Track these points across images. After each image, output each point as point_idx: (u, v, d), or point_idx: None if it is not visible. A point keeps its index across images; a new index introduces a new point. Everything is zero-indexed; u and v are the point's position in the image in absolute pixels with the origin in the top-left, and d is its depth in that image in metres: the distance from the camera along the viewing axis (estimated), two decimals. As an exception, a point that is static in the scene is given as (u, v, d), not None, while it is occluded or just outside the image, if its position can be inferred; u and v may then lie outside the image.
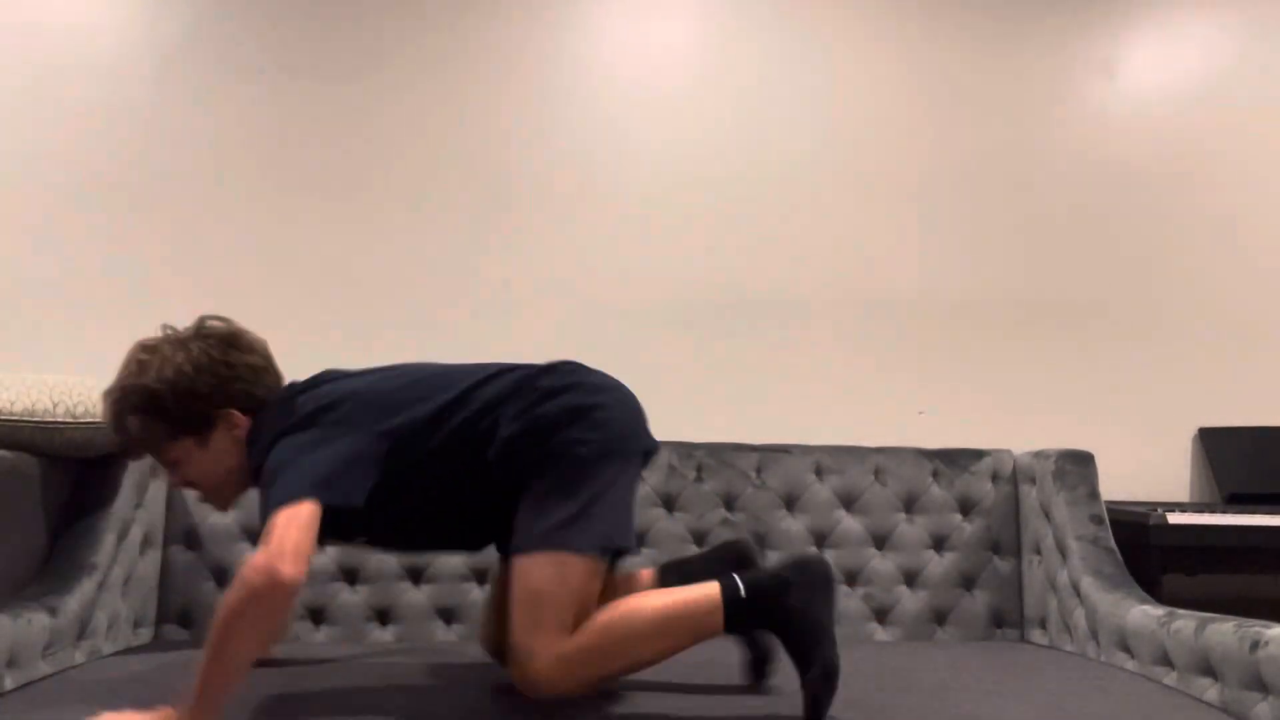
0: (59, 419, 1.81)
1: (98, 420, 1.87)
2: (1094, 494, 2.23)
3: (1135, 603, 1.89)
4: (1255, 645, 1.49)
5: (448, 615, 2.15)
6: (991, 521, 2.32)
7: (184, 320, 2.51)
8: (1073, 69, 2.82)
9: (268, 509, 1.32)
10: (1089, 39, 2.84)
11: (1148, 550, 2.21)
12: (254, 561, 1.22)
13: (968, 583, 2.29)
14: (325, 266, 2.57)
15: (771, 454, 2.34)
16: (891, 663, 1.81)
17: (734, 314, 2.66)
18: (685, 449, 2.31)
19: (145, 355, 1.51)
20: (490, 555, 1.67)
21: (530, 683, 1.35)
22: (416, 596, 2.14)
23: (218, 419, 1.51)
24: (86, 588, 1.79)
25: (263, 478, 1.39)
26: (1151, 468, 2.68)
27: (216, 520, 2.13)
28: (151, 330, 2.42)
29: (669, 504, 2.26)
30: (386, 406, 1.48)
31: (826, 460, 2.34)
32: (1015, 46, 2.82)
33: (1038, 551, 2.26)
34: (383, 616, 2.13)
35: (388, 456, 1.44)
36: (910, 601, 2.27)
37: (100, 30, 2.59)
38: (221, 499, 1.57)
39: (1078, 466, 2.25)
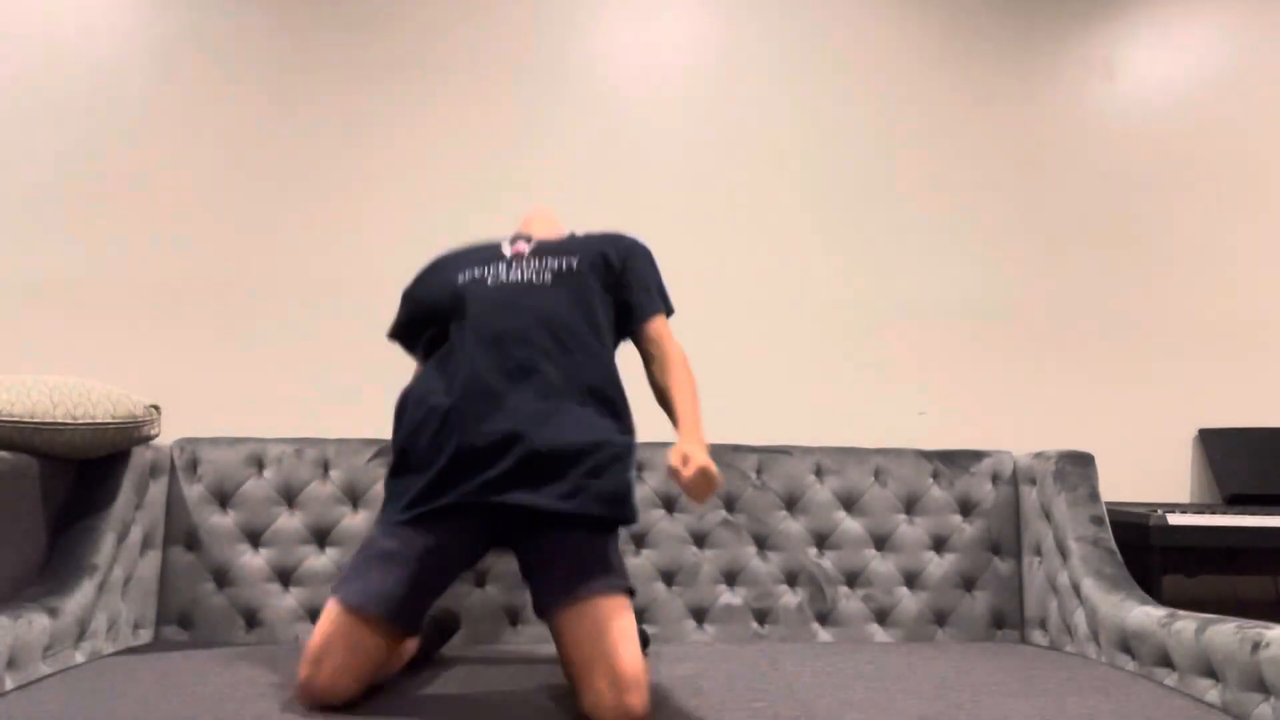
0: (59, 420, 1.81)
1: (98, 421, 1.87)
2: (1094, 495, 2.22)
3: (1136, 603, 1.89)
4: (1256, 646, 1.49)
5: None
6: (992, 522, 2.32)
7: (183, 316, 2.52)
8: (1073, 69, 2.83)
9: (656, 298, 1.78)
10: (1089, 39, 2.84)
11: (1148, 551, 2.21)
12: (677, 345, 1.74)
13: (968, 584, 2.29)
14: (325, 266, 2.57)
15: (771, 455, 2.33)
16: (892, 664, 1.81)
17: (734, 314, 2.66)
18: (685, 450, 2.30)
19: None
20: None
21: (644, 707, 1.41)
22: (417, 597, 2.14)
23: None
24: (87, 589, 1.78)
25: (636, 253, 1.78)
26: (1151, 468, 2.69)
27: (216, 521, 2.13)
28: (154, 330, 2.43)
29: (669, 505, 2.26)
30: None
31: (826, 461, 2.34)
32: (1016, 47, 2.82)
33: (1038, 552, 2.26)
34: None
35: None
36: (910, 602, 2.27)
37: (99, 30, 2.58)
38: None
39: (1078, 467, 2.25)
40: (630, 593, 1.54)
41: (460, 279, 1.70)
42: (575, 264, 1.69)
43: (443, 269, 1.78)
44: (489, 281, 1.67)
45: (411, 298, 1.81)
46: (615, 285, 1.75)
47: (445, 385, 1.59)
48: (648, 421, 2.48)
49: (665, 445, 2.32)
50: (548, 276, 1.67)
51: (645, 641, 1.68)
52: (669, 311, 1.81)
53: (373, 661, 1.46)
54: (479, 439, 1.52)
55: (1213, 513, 2.27)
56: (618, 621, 1.47)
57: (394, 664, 1.58)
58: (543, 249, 1.75)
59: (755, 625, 2.21)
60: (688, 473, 1.44)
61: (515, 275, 1.67)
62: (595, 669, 1.42)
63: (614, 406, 1.65)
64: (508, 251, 1.73)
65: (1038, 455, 2.33)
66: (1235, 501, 2.53)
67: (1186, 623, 1.68)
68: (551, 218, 1.94)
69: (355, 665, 1.43)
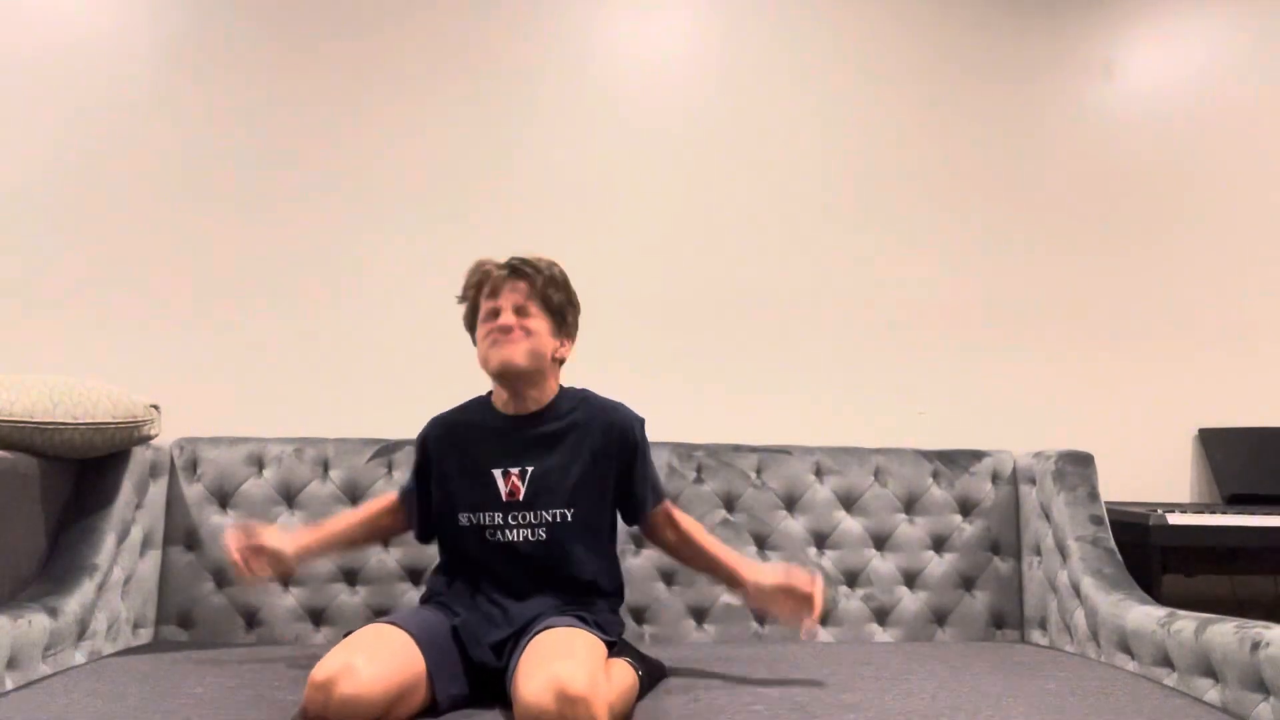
0: (59, 420, 1.81)
1: (98, 421, 1.87)
2: (1094, 494, 2.23)
3: (1136, 603, 1.89)
4: (1256, 646, 1.49)
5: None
6: (991, 522, 2.32)
7: (184, 316, 2.52)
8: (1073, 69, 2.83)
9: (658, 489, 1.80)
10: (1089, 39, 2.84)
11: (1148, 551, 2.21)
12: (688, 517, 1.82)
13: (968, 583, 2.29)
14: (324, 266, 2.57)
15: (771, 454, 2.33)
16: (892, 663, 1.81)
17: (734, 314, 2.66)
18: (685, 449, 2.30)
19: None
20: None
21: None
22: (416, 597, 2.14)
23: (568, 338, 1.80)
24: (87, 589, 1.79)
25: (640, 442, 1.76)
26: (1151, 468, 2.69)
27: (216, 521, 2.13)
28: (154, 330, 2.43)
29: (669, 504, 2.26)
30: None
31: (826, 461, 2.34)
32: (1015, 47, 2.82)
33: (1038, 552, 2.26)
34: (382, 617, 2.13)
35: None
36: (910, 602, 2.27)
37: (99, 31, 2.58)
38: (517, 351, 1.69)
39: (1078, 467, 2.25)
40: (611, 644, 1.53)
41: (461, 520, 1.71)
42: (571, 515, 1.68)
43: (445, 487, 1.74)
44: (488, 536, 1.68)
45: (421, 512, 1.81)
46: (617, 489, 1.76)
47: (463, 604, 1.63)
48: (650, 422, 2.48)
49: (661, 445, 2.32)
50: (543, 533, 1.67)
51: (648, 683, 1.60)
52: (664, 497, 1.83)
53: (398, 668, 1.37)
54: (486, 656, 1.53)
55: (1213, 512, 2.27)
56: (573, 641, 1.40)
57: (409, 704, 1.41)
58: (537, 492, 1.68)
59: (755, 625, 2.21)
60: (809, 591, 1.60)
61: (511, 534, 1.67)
62: (529, 674, 1.32)
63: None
64: (503, 488, 1.69)
65: (1037, 455, 2.33)
66: (1235, 501, 2.53)
67: (1186, 623, 1.68)
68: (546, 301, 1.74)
69: (381, 659, 1.35)
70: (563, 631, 1.45)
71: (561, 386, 1.80)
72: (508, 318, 1.69)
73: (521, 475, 1.69)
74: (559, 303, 1.75)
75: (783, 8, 2.78)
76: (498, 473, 1.70)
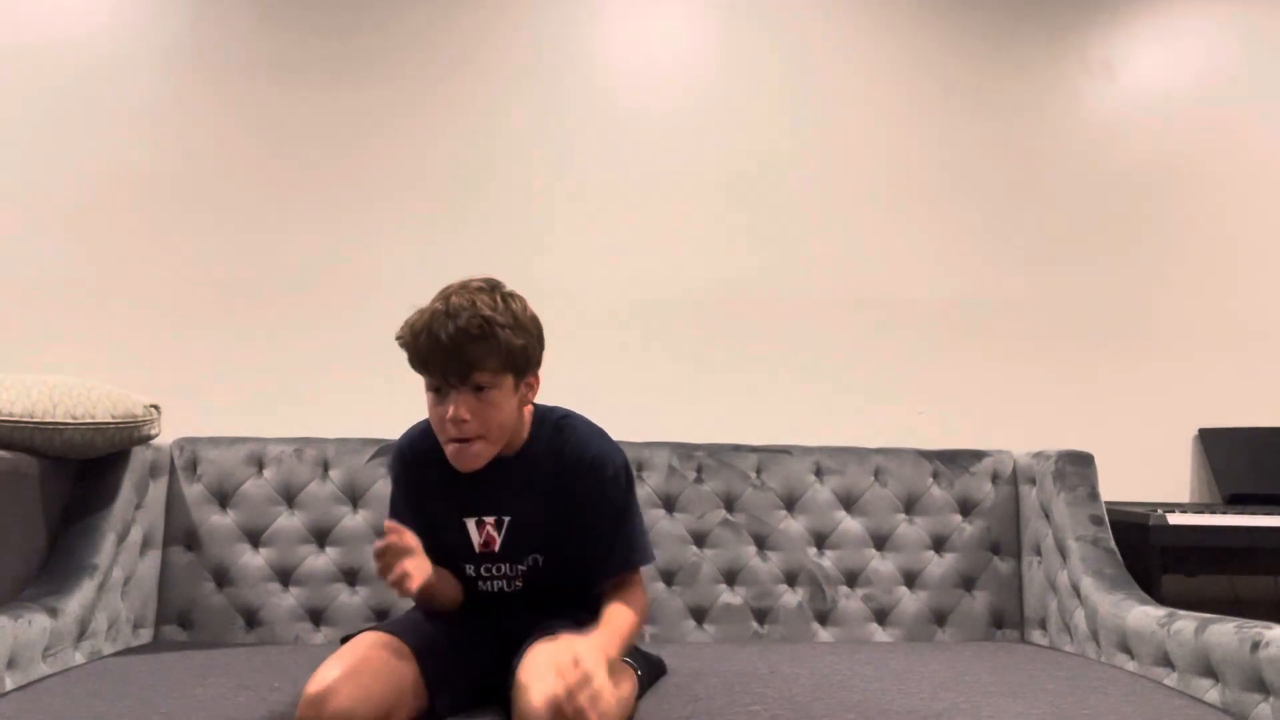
0: (59, 420, 1.81)
1: (98, 421, 1.87)
2: (1094, 494, 2.23)
3: (1135, 603, 1.89)
4: (1256, 646, 1.49)
5: (448, 616, 2.14)
6: (991, 522, 2.32)
7: (184, 316, 2.52)
8: (1073, 69, 2.83)
9: (636, 553, 1.56)
10: (1089, 39, 2.84)
11: (1148, 551, 2.21)
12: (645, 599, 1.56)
13: (968, 583, 2.29)
14: (323, 267, 2.57)
15: (771, 454, 2.33)
16: (892, 663, 1.81)
17: (734, 314, 2.66)
18: (685, 449, 2.30)
19: (509, 292, 1.52)
20: None
21: None
22: (417, 597, 2.14)
23: (534, 373, 1.55)
24: (87, 589, 1.79)
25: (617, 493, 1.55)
26: (1151, 468, 2.69)
27: (216, 521, 2.13)
28: (154, 330, 2.43)
29: (669, 504, 2.26)
30: None
31: (826, 460, 2.34)
32: (1015, 47, 2.82)
33: (1038, 552, 2.26)
34: (382, 618, 2.13)
35: None
36: (910, 602, 2.27)
37: (100, 30, 2.58)
38: (482, 456, 1.49)
39: (1078, 467, 2.25)
40: (635, 668, 1.48)
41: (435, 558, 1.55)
42: (543, 561, 1.59)
43: (424, 527, 1.51)
44: (465, 580, 1.61)
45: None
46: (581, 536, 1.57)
47: (460, 618, 1.60)
48: (640, 420, 2.48)
49: (661, 445, 2.31)
50: (519, 583, 1.59)
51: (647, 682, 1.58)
52: (641, 563, 1.58)
53: (392, 679, 1.36)
54: (488, 669, 1.51)
55: (1213, 513, 2.27)
56: (573, 650, 1.27)
57: (403, 714, 1.40)
58: (510, 542, 1.57)
59: (755, 625, 2.21)
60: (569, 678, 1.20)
61: (487, 585, 1.60)
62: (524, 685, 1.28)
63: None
64: (476, 539, 1.57)
65: (1038, 455, 2.33)
66: (1235, 501, 2.53)
67: (1186, 623, 1.68)
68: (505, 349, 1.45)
69: (375, 671, 1.34)
70: (563, 639, 1.42)
71: (537, 409, 1.62)
72: (463, 429, 1.45)
73: (497, 525, 1.58)
74: (520, 349, 1.46)
75: (780, 8, 2.78)
76: (470, 522, 1.58)
